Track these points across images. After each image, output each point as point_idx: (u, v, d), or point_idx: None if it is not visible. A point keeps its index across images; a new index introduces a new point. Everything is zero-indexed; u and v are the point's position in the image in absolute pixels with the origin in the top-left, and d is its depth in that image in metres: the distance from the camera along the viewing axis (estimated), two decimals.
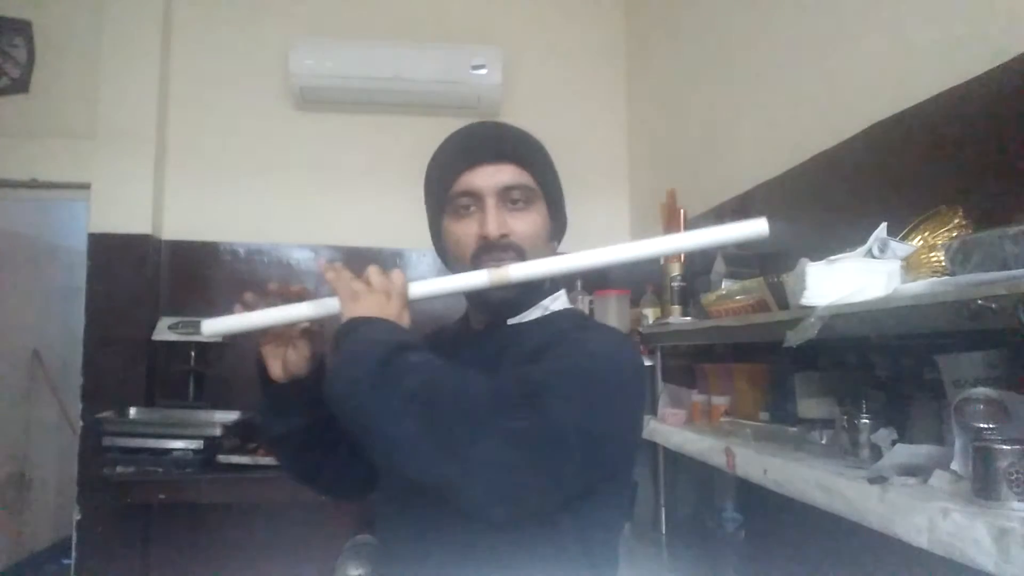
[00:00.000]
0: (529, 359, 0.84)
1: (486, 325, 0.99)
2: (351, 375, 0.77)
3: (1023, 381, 0.93)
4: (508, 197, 0.92)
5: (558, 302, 1.00)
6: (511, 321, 0.97)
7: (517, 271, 0.88)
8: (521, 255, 0.91)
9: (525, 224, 0.92)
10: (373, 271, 0.89)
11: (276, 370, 0.96)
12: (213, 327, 0.95)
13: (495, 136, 0.96)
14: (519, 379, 0.78)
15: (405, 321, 0.87)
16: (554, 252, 0.98)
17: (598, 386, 0.80)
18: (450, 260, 0.97)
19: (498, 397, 0.74)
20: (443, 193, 0.94)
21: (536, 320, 0.97)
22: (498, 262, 0.89)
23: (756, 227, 0.85)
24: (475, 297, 0.95)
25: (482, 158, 0.92)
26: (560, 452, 0.74)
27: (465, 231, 0.92)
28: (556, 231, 1.01)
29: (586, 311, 2.54)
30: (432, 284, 0.91)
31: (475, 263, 0.91)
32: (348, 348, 0.79)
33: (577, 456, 0.76)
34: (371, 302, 0.85)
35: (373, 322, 0.82)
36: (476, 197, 0.92)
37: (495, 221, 0.90)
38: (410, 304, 0.90)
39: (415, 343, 0.81)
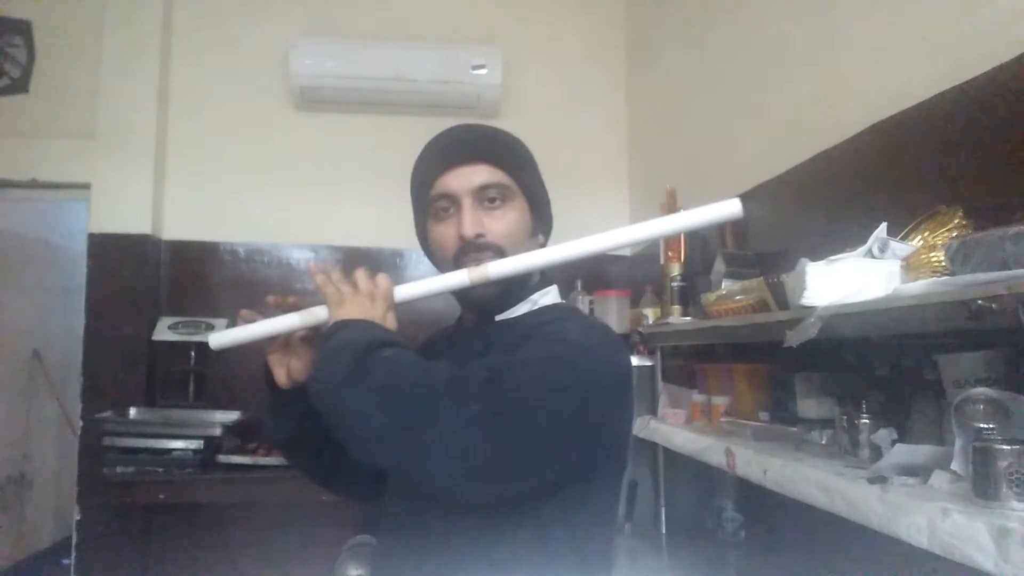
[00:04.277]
0: (508, 350, 0.86)
1: (476, 323, 1.01)
2: (327, 373, 0.80)
3: None
4: (484, 196, 0.94)
5: (547, 297, 1.01)
6: (499, 317, 0.98)
7: (496, 268, 0.91)
8: (500, 253, 0.93)
9: (502, 222, 0.94)
10: (359, 274, 0.93)
11: (281, 377, 1.00)
12: (220, 340, 0.99)
13: (469, 138, 0.98)
14: (483, 367, 0.79)
15: (390, 323, 0.90)
16: (539, 247, 1.00)
17: (564, 373, 0.80)
18: (436, 261, 1.00)
19: (457, 384, 0.76)
20: (423, 196, 0.98)
21: (524, 315, 0.99)
22: (477, 261, 0.92)
23: (729, 208, 0.87)
24: (462, 297, 0.98)
25: (456, 160, 0.95)
26: (515, 434, 0.76)
27: (445, 233, 0.95)
28: (542, 226, 1.02)
29: (586, 311, 2.54)
30: (416, 287, 0.95)
31: (456, 263, 0.94)
32: (328, 348, 0.83)
33: (537, 440, 0.77)
34: (355, 305, 0.89)
35: (354, 323, 0.86)
36: (452, 199, 0.94)
37: (470, 222, 0.93)
38: (408, 305, 0.93)
39: (392, 340, 0.84)
